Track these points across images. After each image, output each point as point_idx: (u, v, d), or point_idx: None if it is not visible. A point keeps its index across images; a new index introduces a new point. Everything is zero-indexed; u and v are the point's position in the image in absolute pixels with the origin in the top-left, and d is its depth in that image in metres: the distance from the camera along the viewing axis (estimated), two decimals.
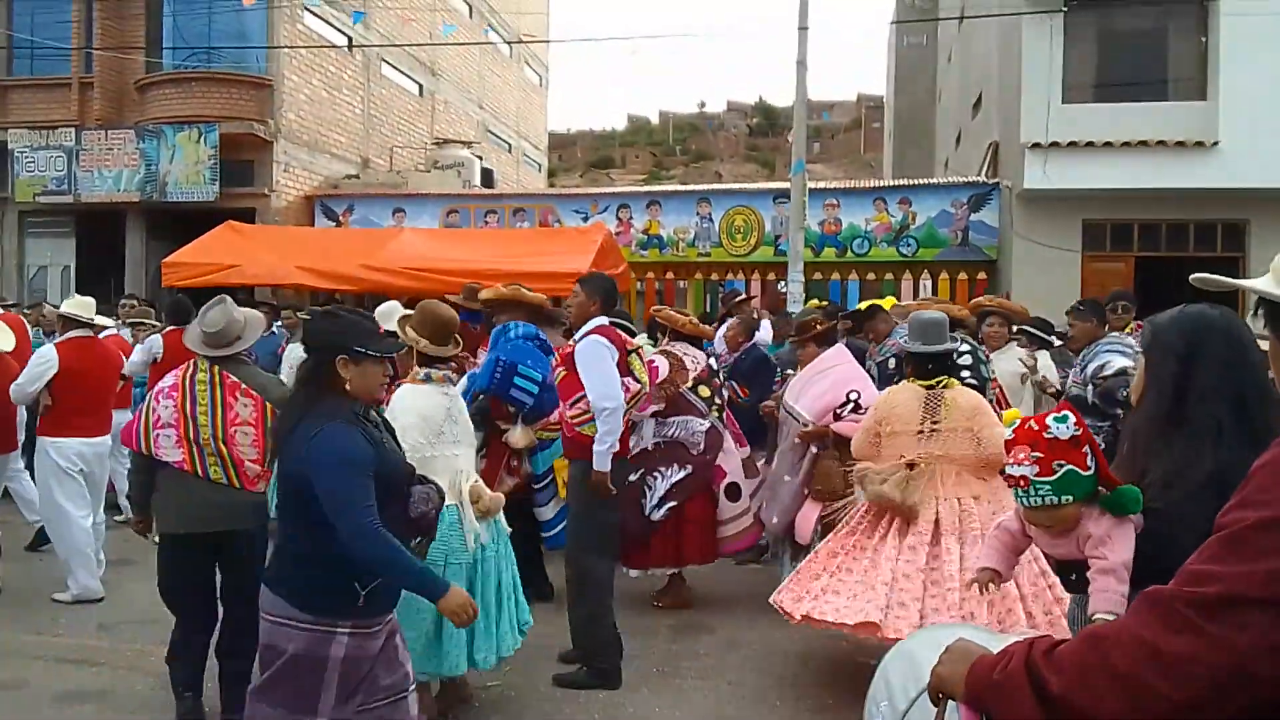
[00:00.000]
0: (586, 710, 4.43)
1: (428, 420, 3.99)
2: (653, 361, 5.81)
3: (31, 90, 16.62)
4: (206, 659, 4.20)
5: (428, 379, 4.09)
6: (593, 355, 4.64)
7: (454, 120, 22.18)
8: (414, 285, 10.99)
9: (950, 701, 1.58)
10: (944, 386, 4.51)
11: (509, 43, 25.07)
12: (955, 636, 1.67)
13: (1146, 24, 13.29)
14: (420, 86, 20.88)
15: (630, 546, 5.69)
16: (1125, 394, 5.10)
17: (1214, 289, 1.77)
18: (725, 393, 6.37)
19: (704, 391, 6.01)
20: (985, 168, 14.99)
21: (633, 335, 6.07)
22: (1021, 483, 2.22)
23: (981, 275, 13.91)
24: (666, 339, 6.35)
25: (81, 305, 6.20)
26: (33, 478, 6.51)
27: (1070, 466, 2.19)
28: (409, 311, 4.45)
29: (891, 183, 16.37)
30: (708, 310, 13.88)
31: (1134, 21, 13.32)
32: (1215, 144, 12.09)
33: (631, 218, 15.23)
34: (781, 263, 13.45)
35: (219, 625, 4.18)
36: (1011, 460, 2.25)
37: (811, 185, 13.37)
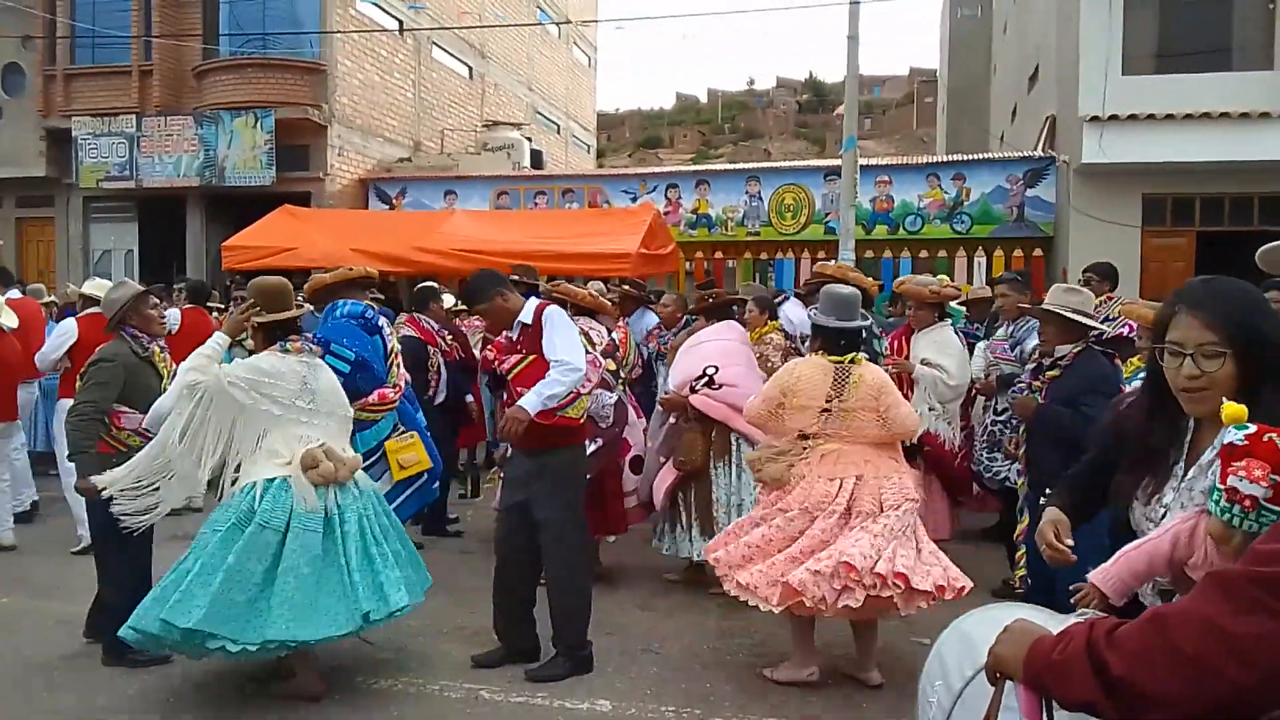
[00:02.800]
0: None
1: (274, 382, 4.23)
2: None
3: (93, 78, 16.99)
4: None
5: (284, 350, 4.34)
6: (560, 320, 4.60)
7: (503, 102, 22.26)
8: (465, 267, 11.04)
9: (1008, 682, 1.57)
10: (852, 363, 4.49)
11: (558, 24, 25.05)
12: (1014, 616, 1.67)
13: None
14: (470, 69, 20.97)
15: None
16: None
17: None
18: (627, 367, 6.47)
19: (610, 365, 6.06)
20: (1042, 142, 14.69)
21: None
22: (1247, 502, 1.79)
23: (1037, 252, 13.66)
24: (570, 312, 6.35)
25: (98, 286, 6.97)
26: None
27: None
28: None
29: (945, 158, 16.09)
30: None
31: None
32: None
33: (680, 197, 15.19)
34: (832, 241, 13.33)
35: None
36: (1241, 473, 1.80)
37: (863, 162, 13.21)
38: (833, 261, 7.10)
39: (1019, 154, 14.81)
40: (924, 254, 14.20)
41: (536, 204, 15.63)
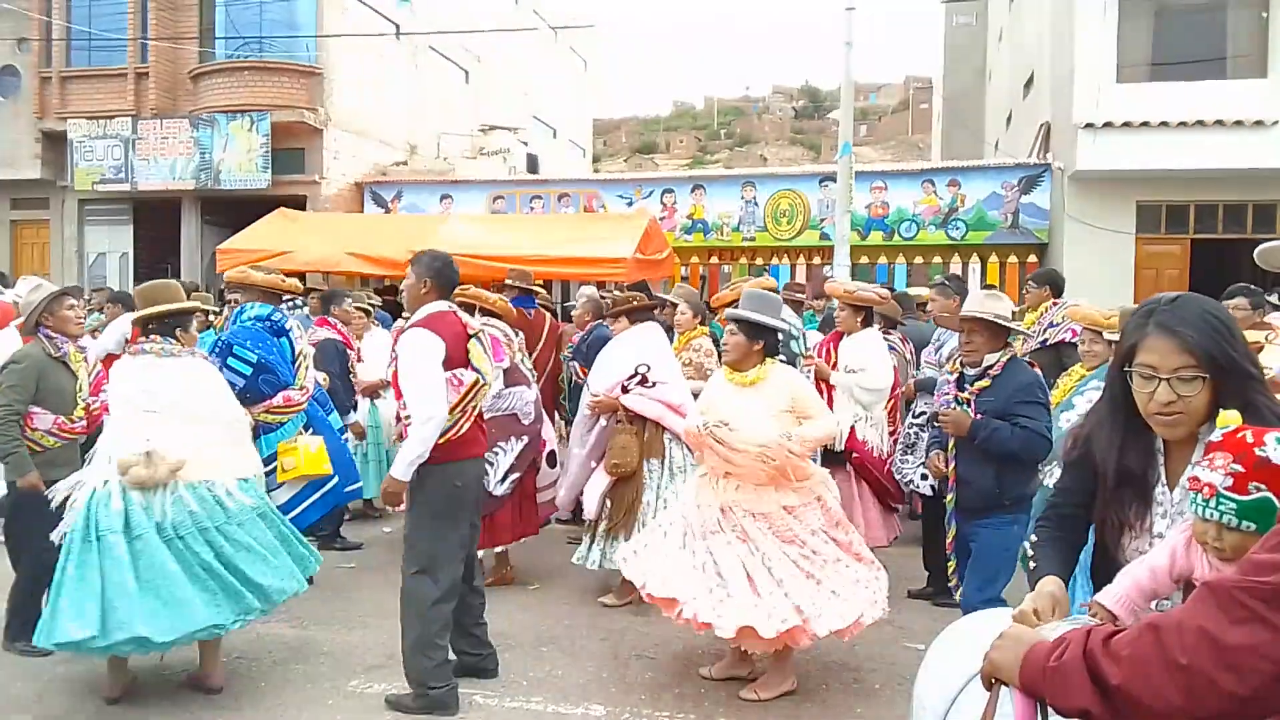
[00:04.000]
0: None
1: (116, 383, 4.30)
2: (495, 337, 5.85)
3: (89, 81, 16.97)
4: None
5: (144, 351, 4.37)
6: (412, 353, 4.12)
7: (500, 107, 22.26)
8: (461, 271, 11.07)
9: (1003, 687, 1.57)
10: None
11: (554, 29, 25.07)
12: (1009, 622, 1.67)
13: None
14: (466, 74, 20.97)
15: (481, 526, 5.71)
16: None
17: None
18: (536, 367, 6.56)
19: (526, 363, 6.19)
20: (1037, 149, 14.74)
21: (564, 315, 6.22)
22: (1206, 490, 1.88)
23: (1032, 258, 13.69)
24: (478, 315, 6.31)
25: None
26: None
27: (1269, 495, 1.85)
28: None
29: (940, 165, 16.14)
30: None
31: None
32: (1276, 123, 11.78)
33: (676, 202, 15.20)
34: (827, 247, 13.35)
35: None
36: (1205, 462, 1.90)
37: (858, 168, 13.24)
38: (748, 280, 7.04)
39: (1014, 161, 14.85)
40: (919, 260, 14.22)
41: (532, 208, 15.64)
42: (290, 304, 9.08)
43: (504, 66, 22.53)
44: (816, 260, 14.38)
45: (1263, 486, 1.81)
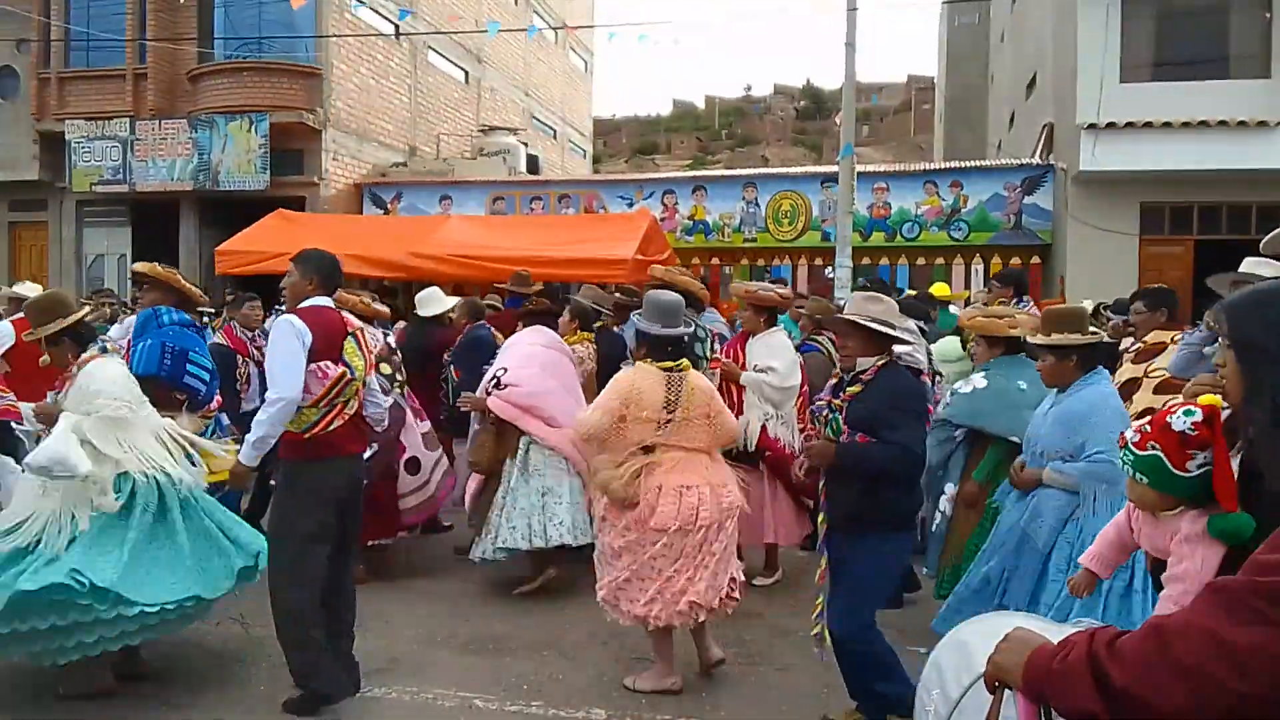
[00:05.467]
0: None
1: (127, 386, 4.28)
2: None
3: (87, 82, 17.00)
4: None
5: (104, 350, 4.37)
6: (278, 336, 4.16)
7: (500, 107, 22.29)
8: (461, 272, 11.07)
9: (1007, 691, 1.57)
10: (680, 370, 4.45)
11: (554, 29, 25.10)
12: (1012, 625, 1.65)
13: (1207, 0, 12.93)
14: (466, 74, 21.00)
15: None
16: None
17: None
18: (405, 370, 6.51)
19: (385, 369, 6.07)
20: (1039, 150, 14.72)
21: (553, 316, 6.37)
22: (1120, 440, 2.31)
23: (1035, 259, 13.68)
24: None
25: (30, 289, 7.22)
26: None
27: (1159, 454, 2.20)
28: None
29: (942, 165, 16.13)
30: None
31: None
32: (1279, 124, 11.74)
33: (677, 203, 15.20)
34: (829, 248, 13.33)
35: None
36: (1134, 424, 2.35)
37: (860, 169, 13.23)
38: (660, 267, 7.02)
39: (1016, 161, 14.85)
40: (921, 261, 14.21)
41: (532, 209, 15.63)
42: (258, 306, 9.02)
43: (504, 67, 22.56)
44: (818, 261, 14.37)
45: (1157, 446, 2.18)
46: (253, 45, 16.17)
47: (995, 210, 13.87)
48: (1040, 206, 13.70)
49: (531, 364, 5.89)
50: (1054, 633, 1.66)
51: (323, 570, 4.19)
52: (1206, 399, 2.20)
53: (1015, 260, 13.68)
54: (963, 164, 15.52)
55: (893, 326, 3.95)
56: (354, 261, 11.79)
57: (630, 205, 15.08)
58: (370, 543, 6.06)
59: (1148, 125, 12.08)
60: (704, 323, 6.47)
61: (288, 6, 14.36)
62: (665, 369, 4.42)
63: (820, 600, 4.11)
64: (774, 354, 6.01)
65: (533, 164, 18.97)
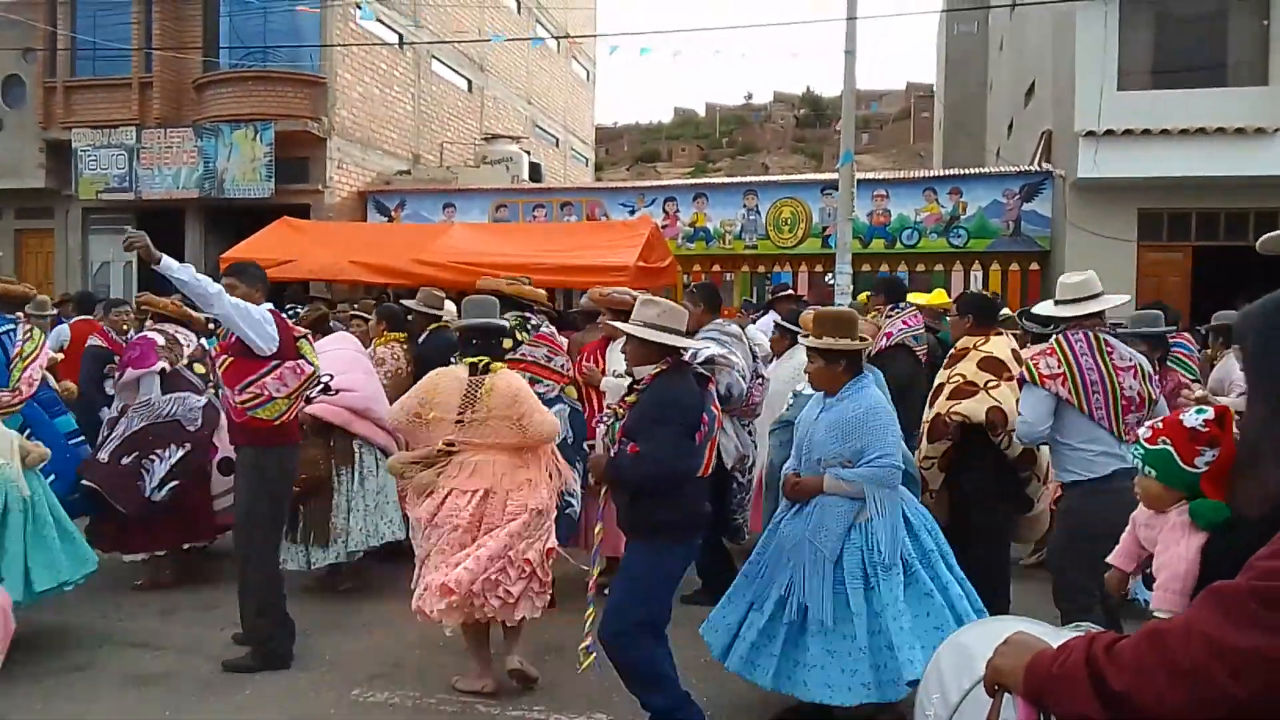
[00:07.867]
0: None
1: None
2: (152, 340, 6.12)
3: (94, 90, 17.03)
4: None
5: None
6: (260, 314, 4.66)
7: (502, 116, 22.32)
8: (464, 280, 11.08)
9: (1006, 694, 1.57)
10: (485, 370, 4.46)
11: (557, 38, 25.15)
12: (1012, 629, 1.67)
13: (1205, 8, 12.98)
14: (469, 82, 21.03)
15: (131, 531, 5.87)
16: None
17: None
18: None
19: (200, 369, 6.27)
20: (1038, 157, 14.75)
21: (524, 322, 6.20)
22: (1131, 435, 2.51)
23: (1034, 266, 13.71)
24: (150, 320, 6.60)
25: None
26: None
27: (1169, 449, 2.24)
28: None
29: (942, 173, 16.15)
30: (754, 303, 13.84)
31: (1192, 5, 13.02)
32: (1277, 130, 11.79)
33: (678, 210, 15.23)
34: (829, 255, 13.34)
35: None
36: (1147, 423, 2.42)
37: (860, 176, 13.24)
38: (489, 279, 6.89)
39: (1015, 168, 14.87)
40: (920, 268, 14.23)
41: (535, 217, 15.66)
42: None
43: (507, 76, 22.59)
44: (818, 268, 14.39)
45: (1168, 441, 2.22)
46: (258, 54, 16.21)
47: (994, 217, 13.90)
48: (1039, 213, 13.73)
49: (355, 369, 6.02)
50: (1054, 637, 1.69)
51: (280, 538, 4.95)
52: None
53: (1014, 267, 13.73)
54: (962, 171, 15.55)
55: (671, 331, 3.80)
56: (358, 268, 11.85)
57: (632, 212, 15.10)
58: (186, 546, 6.20)
59: (1146, 132, 12.11)
60: (713, 332, 6.36)
61: (293, 16, 14.45)
62: (470, 364, 4.48)
63: (590, 610, 4.08)
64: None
65: (535, 172, 19.00)
